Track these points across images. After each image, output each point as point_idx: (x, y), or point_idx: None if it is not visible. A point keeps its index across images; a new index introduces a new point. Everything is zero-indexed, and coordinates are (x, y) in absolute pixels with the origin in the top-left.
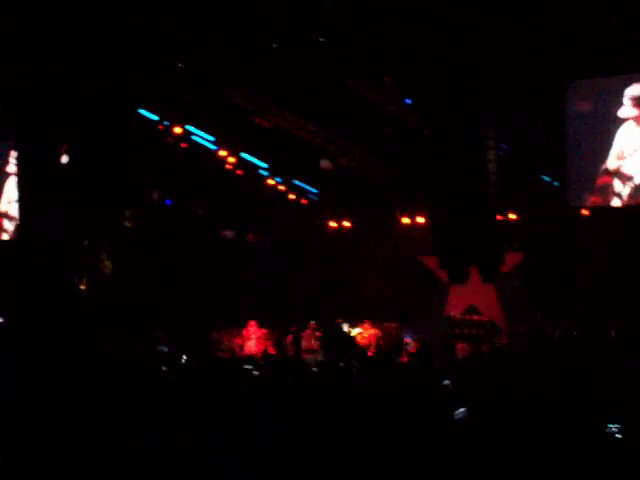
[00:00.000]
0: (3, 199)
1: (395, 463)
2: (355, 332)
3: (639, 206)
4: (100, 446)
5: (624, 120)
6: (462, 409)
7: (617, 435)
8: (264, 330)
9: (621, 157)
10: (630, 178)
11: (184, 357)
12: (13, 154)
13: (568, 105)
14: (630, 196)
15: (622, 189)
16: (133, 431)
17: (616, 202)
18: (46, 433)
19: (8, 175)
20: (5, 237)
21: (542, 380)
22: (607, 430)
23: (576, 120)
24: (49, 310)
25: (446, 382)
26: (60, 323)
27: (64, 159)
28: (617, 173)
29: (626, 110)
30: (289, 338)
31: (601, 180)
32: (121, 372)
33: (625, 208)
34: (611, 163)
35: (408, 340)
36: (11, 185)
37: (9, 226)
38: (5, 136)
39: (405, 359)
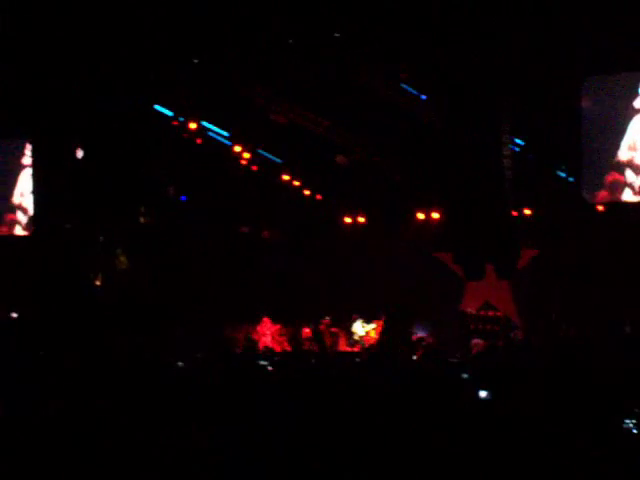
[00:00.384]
0: (16, 192)
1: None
2: (370, 327)
3: None
4: (113, 441)
5: (638, 112)
6: (484, 392)
7: (633, 430)
8: (278, 326)
9: (633, 148)
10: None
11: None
12: (29, 148)
13: (583, 100)
14: None
15: (635, 180)
16: (149, 426)
17: (628, 194)
18: (57, 427)
19: (23, 168)
20: (18, 229)
21: (556, 375)
22: (624, 425)
23: (591, 116)
24: (64, 305)
25: (465, 375)
26: (75, 318)
27: (79, 154)
28: (630, 164)
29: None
30: (304, 333)
31: (612, 174)
32: (136, 371)
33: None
34: (623, 154)
35: (422, 335)
36: (25, 178)
37: (22, 218)
38: (21, 132)
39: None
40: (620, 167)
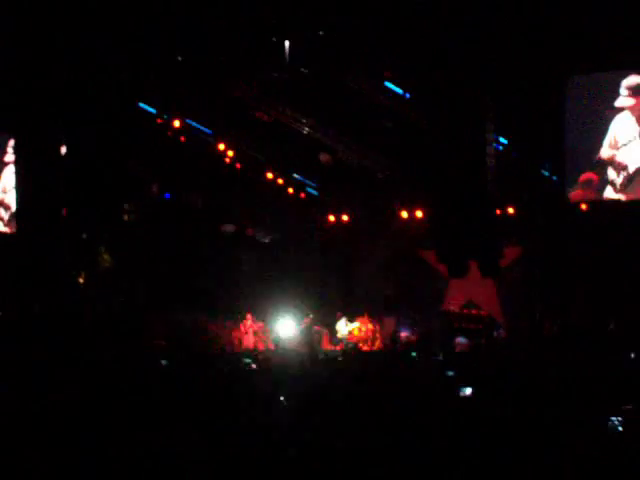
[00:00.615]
0: None
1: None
2: (353, 326)
3: (637, 201)
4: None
5: (620, 110)
6: (468, 388)
7: (618, 428)
8: (260, 324)
9: (614, 146)
10: (624, 167)
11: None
12: (11, 144)
13: (567, 100)
14: (623, 185)
15: (615, 177)
16: (134, 423)
17: (609, 192)
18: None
19: (5, 165)
20: (0, 226)
21: (539, 372)
22: (609, 423)
23: (574, 115)
24: (46, 303)
25: (450, 373)
26: (58, 315)
27: (63, 152)
28: (611, 162)
29: (622, 100)
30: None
31: (587, 173)
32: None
33: (624, 202)
34: (604, 152)
35: (405, 334)
36: (7, 174)
37: (4, 215)
38: (3, 127)
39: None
40: (601, 165)
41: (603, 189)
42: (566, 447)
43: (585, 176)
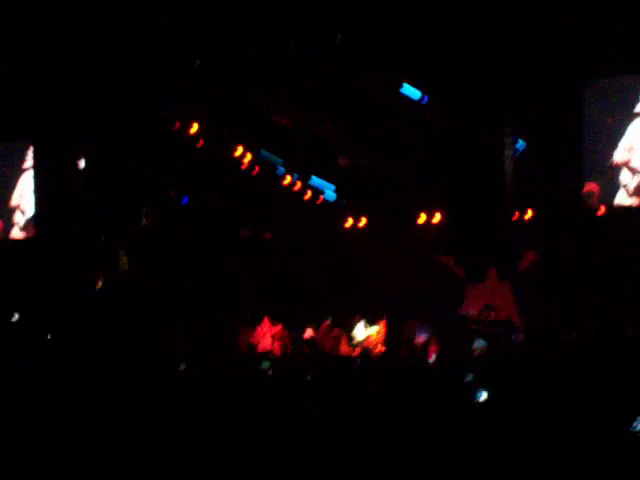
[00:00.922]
0: (15, 193)
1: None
2: (372, 330)
3: None
4: (115, 441)
5: (637, 115)
6: (484, 393)
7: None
8: (279, 327)
9: (629, 150)
10: (635, 170)
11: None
12: (30, 151)
13: (585, 104)
14: (637, 189)
15: (629, 182)
16: (151, 427)
17: (622, 196)
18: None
19: (23, 171)
20: (16, 231)
21: (557, 377)
22: (628, 427)
23: (593, 119)
24: (65, 307)
25: (469, 377)
26: (77, 320)
27: (81, 157)
28: (626, 165)
29: None
30: (307, 335)
31: (588, 184)
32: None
33: (636, 207)
34: (620, 155)
35: (423, 338)
36: (25, 180)
37: (20, 220)
38: (22, 134)
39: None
40: (615, 169)
41: (614, 194)
42: (585, 450)
43: (587, 188)
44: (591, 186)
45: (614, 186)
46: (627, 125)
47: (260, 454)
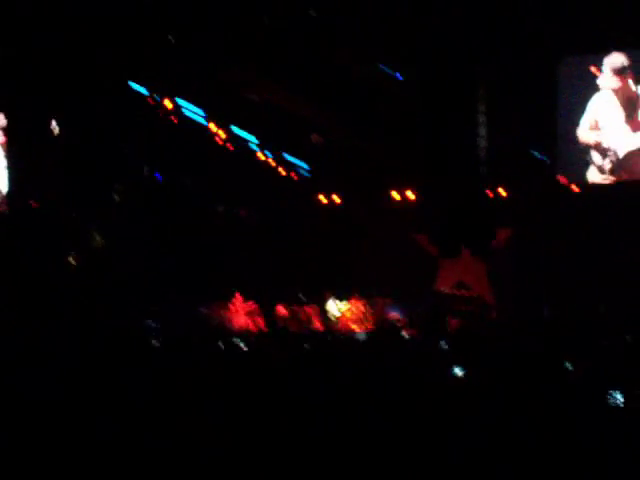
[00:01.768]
0: None
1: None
2: (343, 307)
3: (628, 182)
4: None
5: (598, 90)
6: (458, 368)
7: (619, 404)
8: (252, 304)
9: (595, 128)
10: (611, 151)
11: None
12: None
13: (559, 81)
14: (612, 170)
15: (602, 162)
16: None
17: (594, 174)
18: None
19: None
20: None
21: (529, 353)
22: (609, 398)
23: (566, 96)
24: (38, 284)
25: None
26: (49, 297)
27: (54, 132)
28: (596, 147)
29: (606, 80)
30: (279, 311)
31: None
32: (112, 347)
33: (615, 184)
34: (585, 135)
35: (396, 315)
36: None
37: None
38: None
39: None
40: (584, 147)
41: (585, 172)
42: (564, 425)
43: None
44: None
45: (585, 163)
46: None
47: (237, 436)
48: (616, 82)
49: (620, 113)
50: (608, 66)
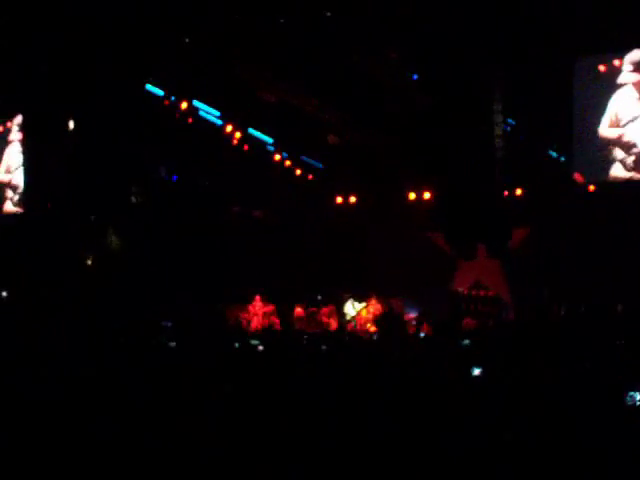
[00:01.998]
0: (1, 169)
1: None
2: (360, 307)
3: None
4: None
5: (619, 87)
6: (477, 369)
7: (637, 403)
8: (271, 306)
9: (616, 124)
10: (633, 145)
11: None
12: (16, 122)
13: (575, 80)
14: (635, 163)
15: (625, 157)
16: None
17: (618, 170)
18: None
19: (8, 144)
20: (9, 205)
21: (547, 353)
22: (626, 398)
23: (582, 95)
24: (54, 285)
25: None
26: (66, 297)
27: (71, 133)
28: (617, 142)
29: (626, 76)
30: (297, 313)
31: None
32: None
33: (631, 183)
34: (606, 131)
35: (413, 315)
36: (11, 153)
37: (12, 195)
38: (11, 111)
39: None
40: (605, 144)
41: (606, 169)
42: (581, 424)
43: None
44: (606, 150)
45: (605, 161)
46: (609, 98)
47: (248, 430)
48: (636, 77)
49: None
50: (629, 62)
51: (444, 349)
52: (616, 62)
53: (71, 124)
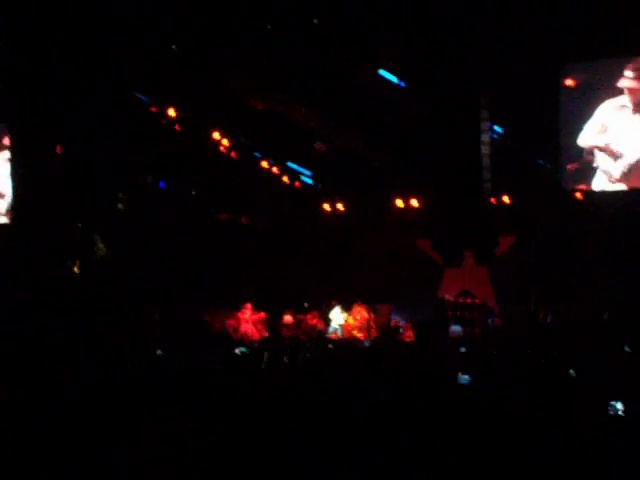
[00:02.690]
0: None
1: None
2: (347, 315)
3: (632, 189)
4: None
5: (610, 97)
6: (465, 376)
7: (618, 412)
8: (262, 314)
9: (603, 132)
10: (621, 156)
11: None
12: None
13: (561, 88)
14: (624, 174)
15: (611, 166)
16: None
17: (602, 181)
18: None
19: None
20: None
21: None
22: (609, 408)
23: (569, 103)
24: (43, 292)
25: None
26: (53, 305)
27: (58, 141)
28: (604, 150)
29: (625, 81)
30: (285, 320)
31: (577, 162)
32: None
33: (623, 192)
34: (592, 139)
35: (401, 323)
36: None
37: (1, 205)
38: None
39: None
40: (589, 152)
41: (591, 177)
42: (567, 432)
43: (571, 166)
44: (575, 165)
45: (591, 169)
46: (597, 105)
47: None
48: (636, 85)
49: (632, 118)
50: (633, 68)
51: (427, 355)
52: (606, 67)
53: (58, 132)
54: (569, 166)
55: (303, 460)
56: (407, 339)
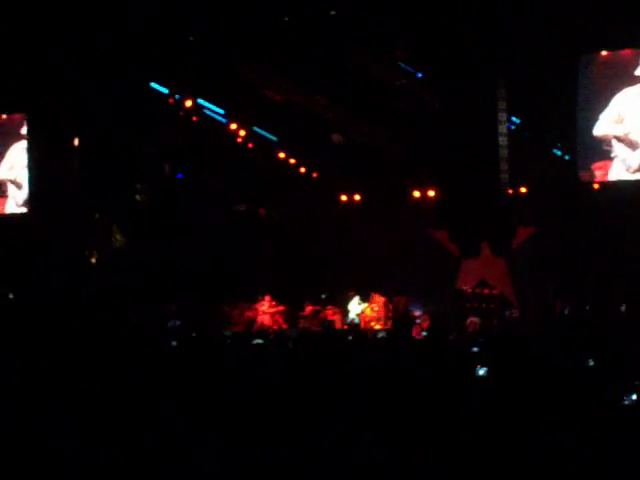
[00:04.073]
0: (4, 165)
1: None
2: (365, 305)
3: None
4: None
5: (625, 86)
6: (482, 369)
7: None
8: (280, 307)
9: (619, 122)
10: (638, 145)
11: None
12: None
13: (579, 79)
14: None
15: (629, 156)
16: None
17: (620, 171)
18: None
19: (13, 142)
20: (11, 204)
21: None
22: (624, 400)
23: (587, 94)
24: (60, 283)
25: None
26: (70, 296)
27: (75, 132)
28: (622, 140)
29: None
30: (306, 311)
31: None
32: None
33: (637, 180)
34: (609, 128)
35: (417, 313)
36: (15, 152)
37: (17, 194)
38: (17, 108)
39: (416, 331)
40: (607, 142)
41: (610, 166)
42: (581, 423)
43: (598, 165)
44: (602, 164)
45: (607, 158)
46: (614, 94)
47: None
48: None
49: None
50: None
51: (443, 347)
52: (624, 57)
53: (75, 123)
54: (594, 165)
55: (315, 450)
56: (423, 330)
